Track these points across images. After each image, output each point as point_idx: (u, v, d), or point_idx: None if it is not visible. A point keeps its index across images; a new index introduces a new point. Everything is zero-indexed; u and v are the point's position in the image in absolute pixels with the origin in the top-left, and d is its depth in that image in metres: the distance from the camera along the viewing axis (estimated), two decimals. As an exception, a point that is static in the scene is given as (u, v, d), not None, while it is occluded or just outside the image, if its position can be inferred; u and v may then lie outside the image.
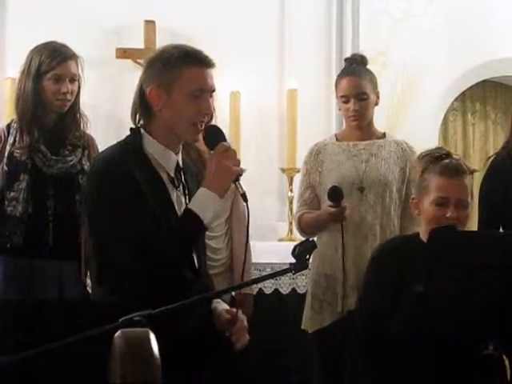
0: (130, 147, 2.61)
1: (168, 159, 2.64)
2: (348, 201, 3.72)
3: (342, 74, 3.95)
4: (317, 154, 3.92)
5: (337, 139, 3.96)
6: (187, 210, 2.55)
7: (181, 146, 2.70)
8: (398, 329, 2.68)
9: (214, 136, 2.62)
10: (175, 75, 2.58)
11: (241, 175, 2.56)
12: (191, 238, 2.59)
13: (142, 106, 2.65)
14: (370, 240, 3.73)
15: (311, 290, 3.90)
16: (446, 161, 2.95)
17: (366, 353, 2.90)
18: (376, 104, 3.90)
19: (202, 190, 2.56)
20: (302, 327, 3.90)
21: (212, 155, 2.60)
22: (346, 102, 3.83)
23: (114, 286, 2.52)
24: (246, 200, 2.53)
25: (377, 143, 3.89)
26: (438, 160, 2.96)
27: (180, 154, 2.70)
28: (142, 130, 2.63)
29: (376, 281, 2.92)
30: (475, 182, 3.80)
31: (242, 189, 2.54)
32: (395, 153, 3.88)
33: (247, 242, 2.61)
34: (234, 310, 2.67)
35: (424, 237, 2.94)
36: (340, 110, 3.96)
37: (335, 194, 3.67)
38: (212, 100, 2.66)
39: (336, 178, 3.80)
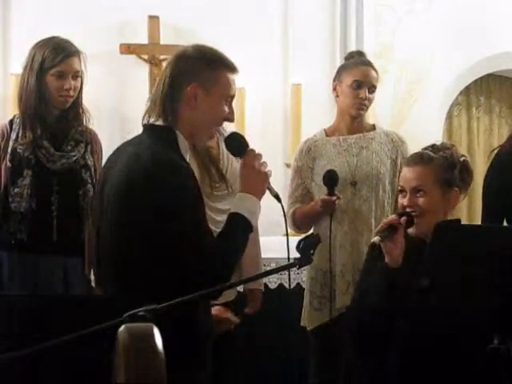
0: (170, 147, 2.55)
1: (191, 160, 2.69)
2: (342, 196, 3.73)
3: (357, 61, 3.88)
4: (307, 151, 3.90)
5: (326, 134, 3.93)
6: (236, 214, 2.56)
7: None
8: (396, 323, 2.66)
9: (239, 142, 2.65)
10: (216, 77, 2.59)
11: (270, 177, 2.61)
12: (243, 241, 2.60)
13: (170, 100, 2.57)
14: (366, 234, 3.71)
15: (309, 286, 3.88)
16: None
17: (363, 349, 2.87)
18: None
19: (241, 194, 2.58)
20: (302, 324, 3.88)
21: (244, 161, 2.61)
22: (357, 89, 3.79)
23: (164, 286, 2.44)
24: (279, 201, 2.59)
25: (367, 136, 3.87)
26: None
27: None
28: (177, 131, 2.58)
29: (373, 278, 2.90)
30: (480, 175, 3.78)
31: (274, 190, 2.61)
32: (385, 144, 3.85)
33: (287, 234, 2.61)
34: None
35: None
36: (338, 97, 3.88)
37: (330, 178, 3.68)
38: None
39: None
